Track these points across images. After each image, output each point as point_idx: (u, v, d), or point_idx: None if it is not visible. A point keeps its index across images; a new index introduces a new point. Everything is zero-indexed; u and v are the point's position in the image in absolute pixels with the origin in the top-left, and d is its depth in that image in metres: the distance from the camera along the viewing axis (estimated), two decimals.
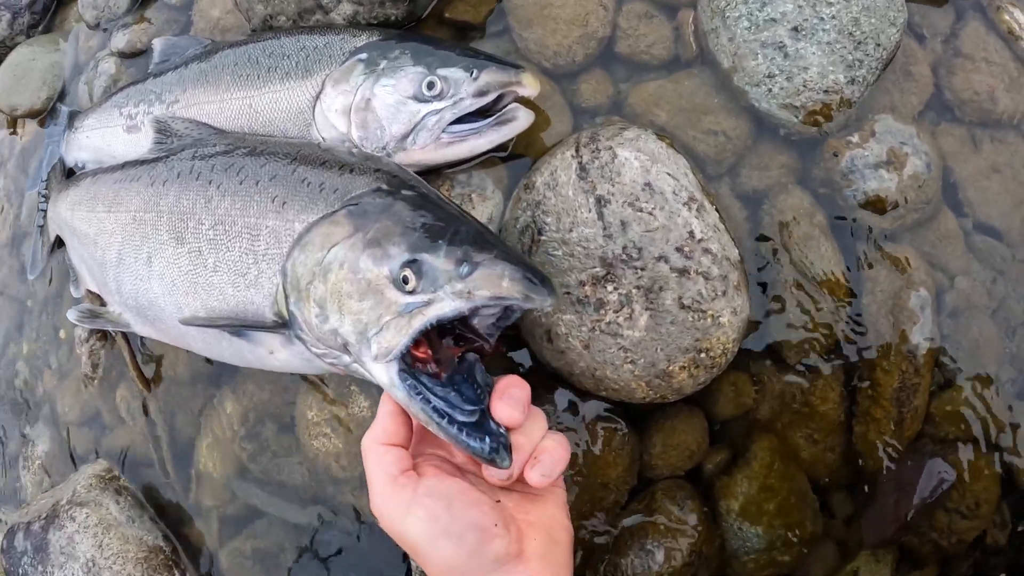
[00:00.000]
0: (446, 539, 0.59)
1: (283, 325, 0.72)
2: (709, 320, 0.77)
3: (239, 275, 0.76)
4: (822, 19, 0.89)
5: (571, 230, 0.78)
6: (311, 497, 0.93)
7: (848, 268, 0.89)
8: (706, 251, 0.77)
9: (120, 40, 1.11)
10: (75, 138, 1.10)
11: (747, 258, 0.87)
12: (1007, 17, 1.04)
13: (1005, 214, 0.98)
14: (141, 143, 1.01)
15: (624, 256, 0.76)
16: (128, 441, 1.03)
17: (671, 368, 0.78)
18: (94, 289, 1.00)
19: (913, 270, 0.91)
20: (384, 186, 0.72)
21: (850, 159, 0.89)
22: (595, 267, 0.77)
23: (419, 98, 0.82)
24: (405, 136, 0.83)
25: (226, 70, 0.94)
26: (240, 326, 0.75)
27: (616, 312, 0.77)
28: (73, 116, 1.12)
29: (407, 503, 0.60)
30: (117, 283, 0.90)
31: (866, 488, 0.90)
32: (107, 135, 1.05)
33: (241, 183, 0.79)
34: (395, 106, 0.83)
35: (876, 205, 0.89)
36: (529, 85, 0.82)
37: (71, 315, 0.95)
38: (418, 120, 0.82)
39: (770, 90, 0.88)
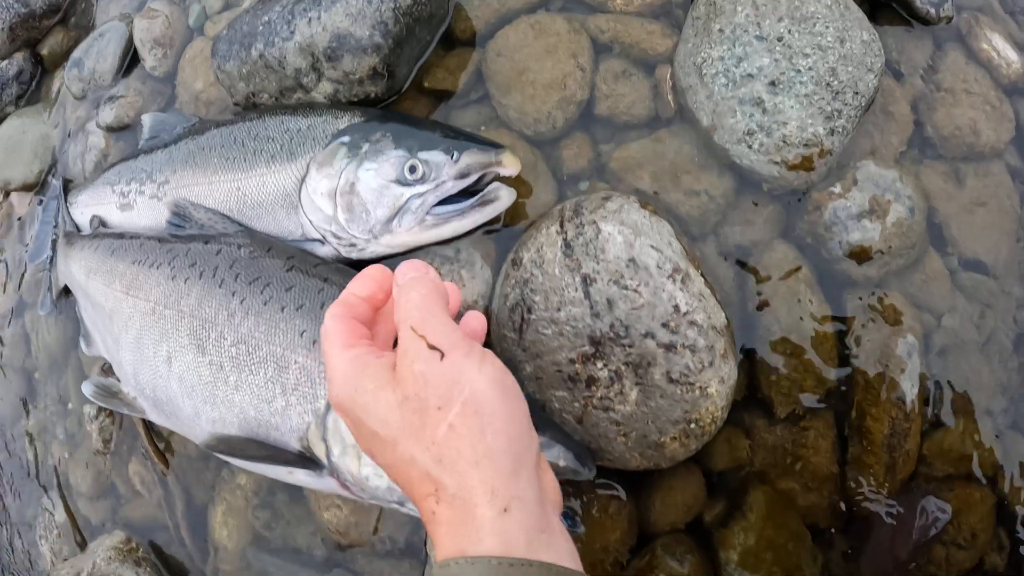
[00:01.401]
0: (519, 400, 0.53)
1: (310, 460, 0.74)
2: (697, 392, 0.79)
3: (263, 401, 0.77)
4: (799, 71, 0.89)
5: (559, 309, 0.79)
6: (326, 565, 0.95)
7: (835, 319, 0.90)
8: (692, 323, 0.79)
9: (107, 115, 1.11)
10: (71, 213, 1.11)
11: (734, 314, 0.89)
12: (986, 45, 1.04)
13: (991, 247, 0.98)
14: (135, 221, 1.02)
15: (612, 334, 0.78)
16: (144, 512, 1.06)
17: (663, 440, 0.79)
18: (105, 356, 1.01)
19: (900, 316, 0.91)
20: None
21: (833, 211, 0.90)
22: (584, 345, 0.78)
23: (402, 182, 0.83)
24: (390, 219, 0.84)
25: (213, 152, 0.94)
26: (268, 462, 0.77)
27: (607, 388, 0.79)
28: (67, 188, 1.13)
29: (480, 356, 0.52)
30: (134, 370, 0.90)
31: (862, 532, 0.92)
32: (101, 212, 1.06)
33: (265, 304, 0.80)
34: (379, 190, 0.84)
35: (861, 256, 0.90)
36: (509, 165, 0.83)
37: (86, 389, 0.96)
38: (402, 204, 0.83)
39: (751, 146, 0.89)
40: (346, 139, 0.86)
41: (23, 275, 1.22)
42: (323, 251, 0.89)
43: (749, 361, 0.89)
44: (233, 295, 0.83)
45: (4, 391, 1.24)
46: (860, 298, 0.91)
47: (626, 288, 0.78)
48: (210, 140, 0.96)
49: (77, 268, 1.02)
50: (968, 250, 0.97)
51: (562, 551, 0.51)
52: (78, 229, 1.10)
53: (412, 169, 0.82)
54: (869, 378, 0.90)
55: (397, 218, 0.83)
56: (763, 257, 0.90)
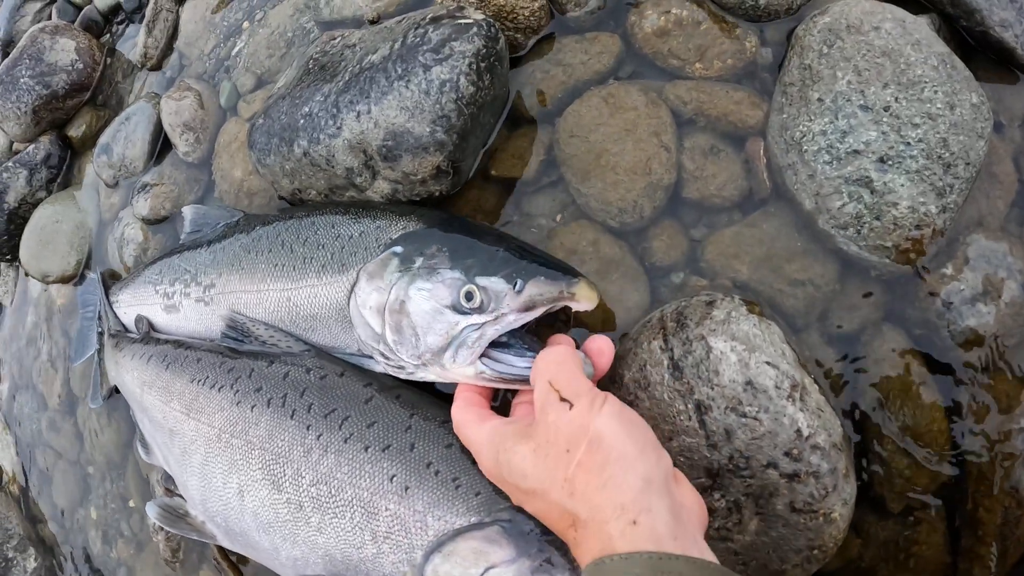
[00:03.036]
0: (640, 427, 0.57)
1: None
2: (821, 519, 0.69)
3: (351, 547, 0.67)
4: (908, 144, 0.76)
5: (671, 439, 0.69)
6: None
7: (948, 408, 0.80)
8: (815, 447, 0.68)
9: (143, 206, 0.98)
10: (115, 311, 1.00)
11: (844, 408, 0.78)
12: None
13: None
14: (182, 324, 0.91)
15: (731, 466, 0.68)
16: None
17: (784, 567, 0.70)
18: (167, 470, 0.92)
19: (1012, 399, 0.81)
20: None
21: (946, 296, 0.79)
22: (700, 477, 0.68)
23: (457, 308, 0.67)
24: (443, 349, 0.68)
25: (261, 257, 0.82)
26: None
27: (725, 518, 0.69)
28: (106, 284, 1.01)
29: (601, 400, 0.58)
30: (202, 497, 0.80)
31: None
32: (146, 313, 0.95)
33: (346, 442, 0.69)
34: (431, 314, 0.68)
35: (974, 342, 0.79)
36: (583, 299, 0.65)
37: (151, 511, 0.87)
38: (456, 333, 0.67)
39: (859, 231, 0.77)
40: (399, 249, 0.72)
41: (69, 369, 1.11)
42: (377, 368, 0.76)
43: (860, 458, 0.79)
44: (308, 429, 0.72)
45: (61, 484, 1.15)
46: (972, 385, 0.81)
47: (744, 416, 0.67)
48: (256, 243, 0.83)
49: (130, 379, 0.91)
50: None
51: (703, 552, 0.52)
52: (125, 328, 0.98)
53: (469, 296, 0.66)
54: (982, 468, 0.81)
55: (451, 350, 0.67)
56: (871, 346, 0.79)
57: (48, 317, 1.13)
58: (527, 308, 0.65)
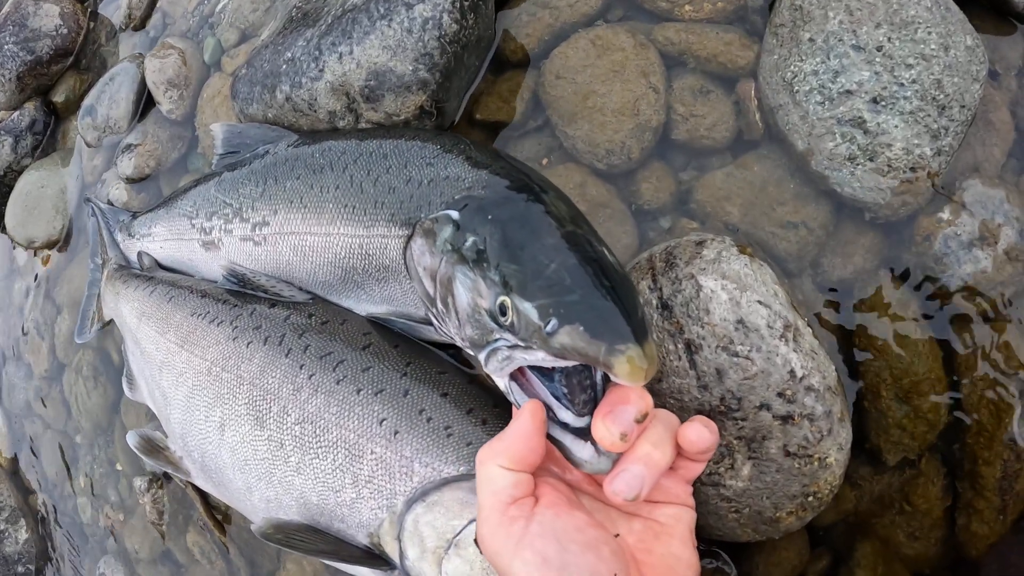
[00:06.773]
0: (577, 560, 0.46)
1: (378, 558, 0.61)
2: (816, 464, 0.64)
3: (330, 490, 0.64)
4: (902, 85, 0.72)
5: (660, 380, 0.65)
6: None
7: (946, 358, 0.76)
8: (808, 389, 0.64)
9: (126, 166, 0.94)
10: (149, 248, 0.91)
11: (837, 357, 0.74)
12: None
13: None
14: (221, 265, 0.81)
15: (723, 408, 0.63)
16: None
17: (778, 515, 0.66)
18: (151, 407, 0.87)
19: (1012, 349, 0.77)
20: None
21: (943, 241, 0.74)
22: None
23: (493, 316, 0.54)
24: (480, 347, 0.57)
25: (328, 194, 0.70)
26: (329, 558, 0.63)
27: (716, 463, 0.65)
28: (105, 214, 0.94)
29: (516, 541, 0.48)
30: (182, 431, 0.76)
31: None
32: (184, 249, 0.85)
33: (338, 383, 0.65)
34: (472, 307, 0.57)
35: (973, 289, 0.75)
36: (624, 377, 0.46)
37: (130, 439, 0.82)
38: (491, 340, 0.55)
39: (853, 173, 0.73)
40: (455, 216, 0.60)
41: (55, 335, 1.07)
42: (434, 335, 0.68)
43: (856, 408, 0.75)
44: (301, 368, 0.68)
45: (50, 452, 1.10)
46: (971, 335, 0.76)
47: (736, 355, 0.63)
48: (320, 177, 0.71)
49: (128, 309, 0.86)
50: None
51: None
52: (128, 262, 0.93)
53: (502, 310, 0.53)
54: (981, 420, 0.76)
55: (485, 352, 0.56)
56: (866, 293, 0.75)
57: (34, 284, 1.09)
58: (558, 355, 0.50)
